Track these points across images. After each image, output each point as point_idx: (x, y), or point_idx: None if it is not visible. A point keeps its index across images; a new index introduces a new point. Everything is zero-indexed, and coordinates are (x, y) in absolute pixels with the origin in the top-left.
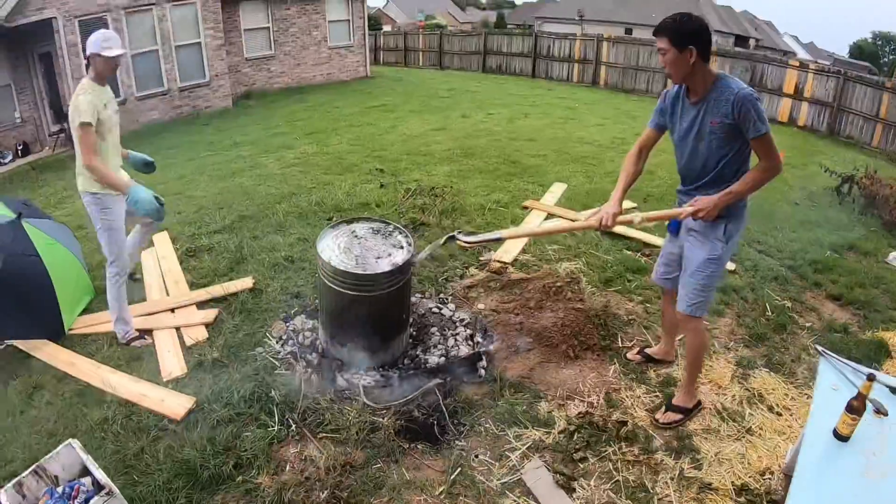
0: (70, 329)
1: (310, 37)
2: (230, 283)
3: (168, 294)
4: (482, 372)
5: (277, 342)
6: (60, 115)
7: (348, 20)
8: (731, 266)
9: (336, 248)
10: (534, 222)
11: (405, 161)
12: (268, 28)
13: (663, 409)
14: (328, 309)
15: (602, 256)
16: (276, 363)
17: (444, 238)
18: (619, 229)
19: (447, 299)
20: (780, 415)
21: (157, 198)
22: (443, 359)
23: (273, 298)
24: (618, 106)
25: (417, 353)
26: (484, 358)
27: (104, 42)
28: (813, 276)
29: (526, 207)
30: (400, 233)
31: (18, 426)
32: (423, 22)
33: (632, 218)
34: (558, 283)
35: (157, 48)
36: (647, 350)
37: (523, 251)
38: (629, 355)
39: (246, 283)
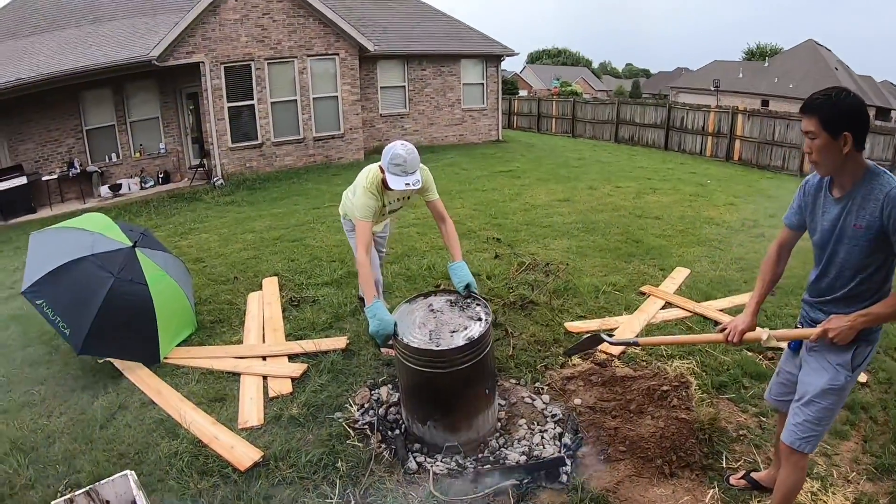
0: (165, 358)
1: (444, 98)
2: (323, 341)
3: (264, 341)
4: (564, 478)
5: (358, 410)
6: (202, 150)
7: (482, 84)
8: (862, 378)
9: (411, 324)
10: (650, 310)
11: (524, 232)
12: (403, 87)
13: None
14: (406, 386)
15: (718, 356)
16: (351, 432)
17: (591, 337)
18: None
19: (542, 389)
20: None
21: (395, 326)
22: (524, 457)
23: (364, 363)
24: (751, 183)
25: (500, 444)
26: (569, 463)
27: (392, 165)
28: None
29: (643, 293)
30: (478, 304)
31: (95, 440)
32: (558, 88)
33: (760, 335)
34: (664, 387)
35: (295, 98)
36: (754, 475)
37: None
38: (732, 479)
39: (340, 342)
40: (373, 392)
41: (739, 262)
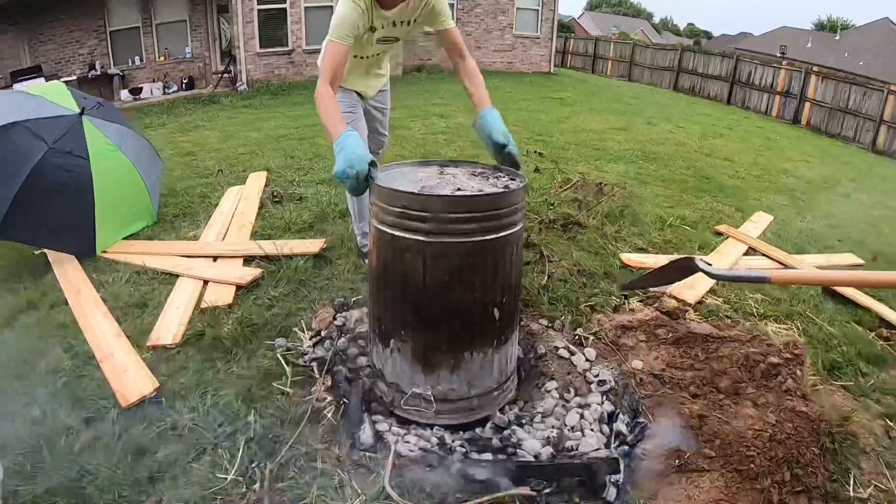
0: (104, 251)
1: (495, 20)
2: (291, 242)
3: (223, 239)
4: (612, 494)
5: (311, 337)
6: (228, 56)
7: (538, 10)
8: None
9: (402, 178)
10: (732, 254)
11: (572, 150)
12: (452, 4)
13: None
14: (374, 272)
15: (824, 326)
16: (288, 370)
17: (679, 263)
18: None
19: (587, 339)
20: None
21: (372, 162)
22: (548, 447)
23: (338, 274)
24: (822, 148)
25: (512, 419)
26: (623, 468)
27: None
28: None
29: (720, 233)
30: (512, 178)
31: None
32: (616, 35)
33: None
34: (772, 359)
35: (332, 4)
36: None
37: (712, 291)
38: None
39: (313, 245)
40: (338, 315)
41: (829, 217)
